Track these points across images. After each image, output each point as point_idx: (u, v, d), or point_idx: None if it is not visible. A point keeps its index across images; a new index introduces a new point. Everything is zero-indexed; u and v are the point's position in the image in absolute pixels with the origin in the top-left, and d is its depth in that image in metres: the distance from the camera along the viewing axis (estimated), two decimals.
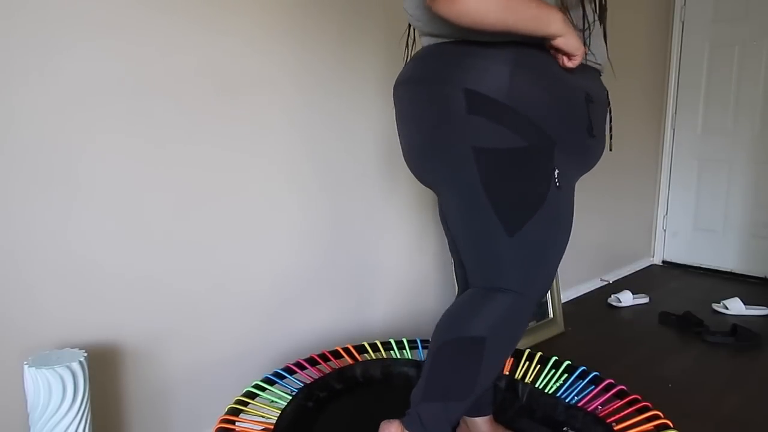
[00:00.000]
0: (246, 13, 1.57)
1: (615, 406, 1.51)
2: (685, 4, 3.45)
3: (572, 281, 3.00)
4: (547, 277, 1.14)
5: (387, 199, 2.03)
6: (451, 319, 1.15)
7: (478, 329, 1.10)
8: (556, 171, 1.06)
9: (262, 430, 1.37)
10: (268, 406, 1.48)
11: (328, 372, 1.65)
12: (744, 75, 3.29)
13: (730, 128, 3.38)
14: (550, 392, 1.62)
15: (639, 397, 1.51)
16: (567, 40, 1.02)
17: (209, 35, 1.50)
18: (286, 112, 1.70)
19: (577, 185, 2.92)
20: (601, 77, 1.19)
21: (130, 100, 1.38)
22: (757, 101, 3.26)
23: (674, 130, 3.61)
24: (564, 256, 2.82)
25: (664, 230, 3.71)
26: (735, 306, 2.77)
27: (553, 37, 1.02)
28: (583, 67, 1.11)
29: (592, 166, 1.18)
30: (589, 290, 3.13)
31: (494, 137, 1.03)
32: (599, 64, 1.16)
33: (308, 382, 1.61)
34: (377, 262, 2.03)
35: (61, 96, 1.28)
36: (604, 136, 1.17)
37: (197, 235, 1.55)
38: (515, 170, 1.05)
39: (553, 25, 1.00)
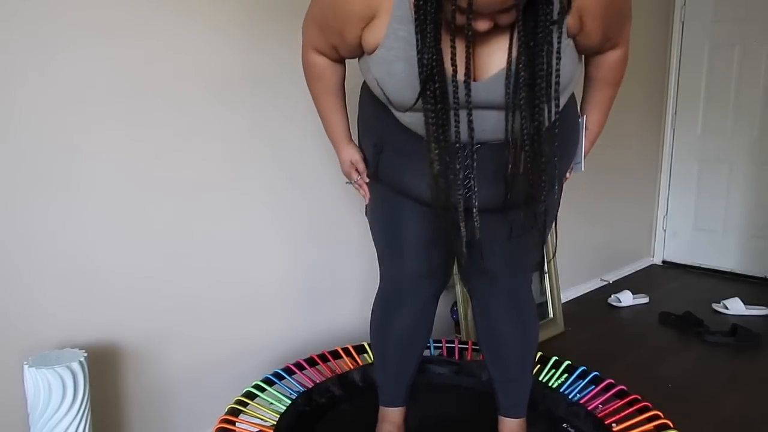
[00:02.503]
0: (246, 12, 1.57)
1: (615, 406, 1.51)
2: (685, 4, 3.45)
3: (572, 281, 3.00)
4: (381, 266, 1.32)
5: None
6: None
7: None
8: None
9: (269, 426, 1.37)
10: (267, 408, 1.48)
11: (329, 376, 1.66)
12: (744, 75, 3.29)
13: (730, 129, 3.38)
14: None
15: (639, 397, 1.51)
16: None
17: (209, 35, 1.50)
18: (288, 109, 1.70)
19: (576, 184, 2.92)
20: None
21: (129, 100, 1.38)
22: (757, 102, 3.25)
23: (674, 130, 3.61)
24: (564, 256, 2.82)
25: (664, 230, 3.71)
26: (735, 306, 2.77)
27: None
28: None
29: (413, 198, 1.18)
30: (589, 290, 3.13)
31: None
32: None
33: (307, 383, 1.61)
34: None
35: (61, 95, 1.28)
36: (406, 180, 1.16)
37: (197, 235, 1.55)
38: None
39: (330, 137, 1.27)
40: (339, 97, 1.22)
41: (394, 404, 1.39)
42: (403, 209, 1.21)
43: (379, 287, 1.35)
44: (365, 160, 1.26)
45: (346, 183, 1.32)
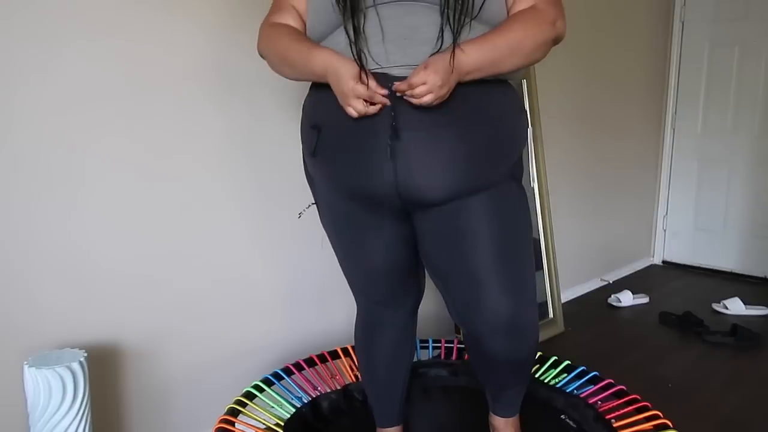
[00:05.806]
0: (246, 12, 1.57)
1: (614, 406, 1.51)
2: (685, 4, 3.45)
3: (572, 281, 3.00)
4: (353, 292, 1.32)
5: None
6: None
7: None
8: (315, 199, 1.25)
9: (265, 428, 1.37)
10: (266, 409, 1.48)
11: (328, 377, 1.65)
12: (744, 75, 3.28)
13: (730, 128, 3.38)
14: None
15: (638, 397, 1.51)
16: (331, 83, 1.00)
17: (209, 34, 1.50)
18: (288, 110, 1.70)
19: (576, 184, 2.93)
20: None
21: (131, 100, 1.38)
22: (757, 101, 3.25)
23: (674, 130, 3.61)
24: (564, 256, 2.82)
25: (664, 230, 3.71)
26: (735, 306, 2.77)
27: (321, 79, 1.02)
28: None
29: (358, 191, 1.08)
30: (589, 290, 3.13)
31: None
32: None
33: (306, 384, 1.61)
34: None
35: (62, 96, 1.28)
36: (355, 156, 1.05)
37: (197, 236, 1.55)
38: None
39: (314, 63, 1.01)
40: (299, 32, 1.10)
41: (390, 424, 1.39)
42: (362, 238, 1.17)
43: (357, 311, 1.36)
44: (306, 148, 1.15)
45: (298, 216, 1.33)
